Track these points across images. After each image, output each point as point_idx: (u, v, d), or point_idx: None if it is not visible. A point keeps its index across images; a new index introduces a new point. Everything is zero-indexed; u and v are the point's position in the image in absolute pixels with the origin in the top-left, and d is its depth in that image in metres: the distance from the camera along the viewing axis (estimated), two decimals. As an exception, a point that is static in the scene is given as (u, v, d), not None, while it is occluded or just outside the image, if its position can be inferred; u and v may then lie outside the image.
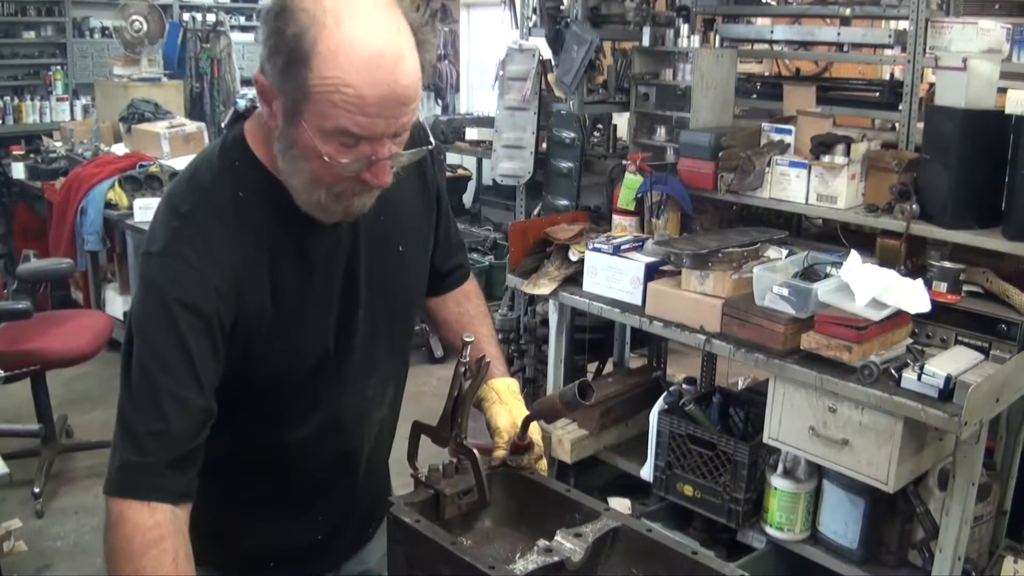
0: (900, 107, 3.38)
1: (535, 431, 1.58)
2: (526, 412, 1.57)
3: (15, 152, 6.38)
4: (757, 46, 4.43)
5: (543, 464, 1.60)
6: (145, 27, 6.97)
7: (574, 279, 3.35)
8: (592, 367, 4.27)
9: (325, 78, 1.19)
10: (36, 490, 3.79)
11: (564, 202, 4.27)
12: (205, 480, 1.33)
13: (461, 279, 1.79)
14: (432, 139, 1.51)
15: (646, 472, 3.38)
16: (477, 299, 1.80)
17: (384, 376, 1.59)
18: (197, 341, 1.29)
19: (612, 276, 3.22)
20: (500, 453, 1.55)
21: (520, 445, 1.55)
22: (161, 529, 1.24)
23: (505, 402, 1.60)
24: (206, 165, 1.42)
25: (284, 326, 1.39)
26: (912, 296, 2.57)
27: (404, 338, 1.67)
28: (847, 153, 3.09)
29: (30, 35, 8.97)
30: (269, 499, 1.56)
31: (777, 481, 2.98)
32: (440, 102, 9.05)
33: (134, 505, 1.24)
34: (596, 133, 4.86)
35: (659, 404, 3.34)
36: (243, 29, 10.22)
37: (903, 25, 3.48)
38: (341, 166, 1.25)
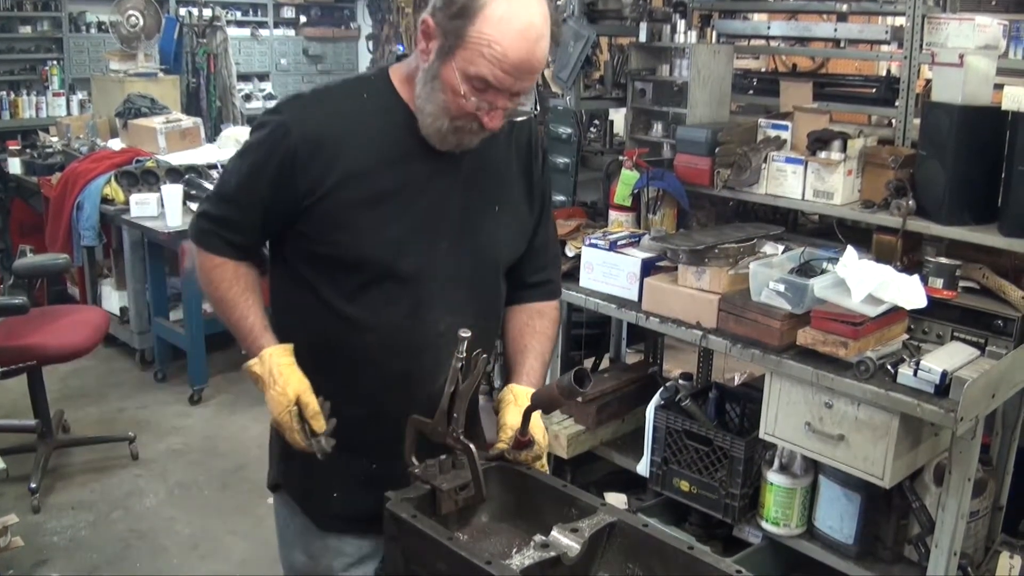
0: (897, 103, 3.38)
1: (539, 430, 1.63)
2: (539, 428, 1.64)
3: (11, 147, 6.37)
4: (754, 42, 4.42)
5: (541, 464, 1.64)
6: (141, 22, 6.96)
7: (571, 275, 3.35)
8: (589, 363, 4.28)
9: (483, 33, 1.49)
10: (32, 485, 3.78)
11: (560, 198, 4.27)
12: None
13: (546, 295, 1.93)
14: (544, 148, 1.87)
15: (642, 467, 3.39)
16: (550, 322, 1.91)
17: (461, 323, 1.63)
18: (266, 164, 1.63)
19: (608, 272, 3.22)
20: (501, 446, 1.62)
21: (521, 441, 1.60)
22: (221, 262, 1.72)
23: (520, 405, 1.67)
24: (347, 77, 1.79)
25: (359, 212, 1.63)
26: (908, 292, 2.57)
27: (489, 295, 1.80)
28: (843, 149, 3.09)
29: (26, 30, 8.95)
30: (335, 411, 1.66)
31: (773, 476, 2.98)
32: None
33: (201, 251, 1.74)
34: (593, 129, 4.85)
35: (655, 400, 3.34)
36: (239, 24, 10.23)
37: (900, 21, 3.48)
38: (469, 103, 1.54)
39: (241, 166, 1.70)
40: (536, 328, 1.88)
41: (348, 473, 1.73)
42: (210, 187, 5.03)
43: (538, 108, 1.97)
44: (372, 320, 1.67)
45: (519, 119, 1.69)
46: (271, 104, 1.75)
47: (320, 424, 1.63)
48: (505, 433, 1.64)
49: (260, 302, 1.75)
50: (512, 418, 1.66)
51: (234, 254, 1.73)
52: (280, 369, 1.64)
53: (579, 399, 1.67)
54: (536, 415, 1.64)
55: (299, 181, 1.62)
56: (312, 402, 1.64)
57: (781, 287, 2.72)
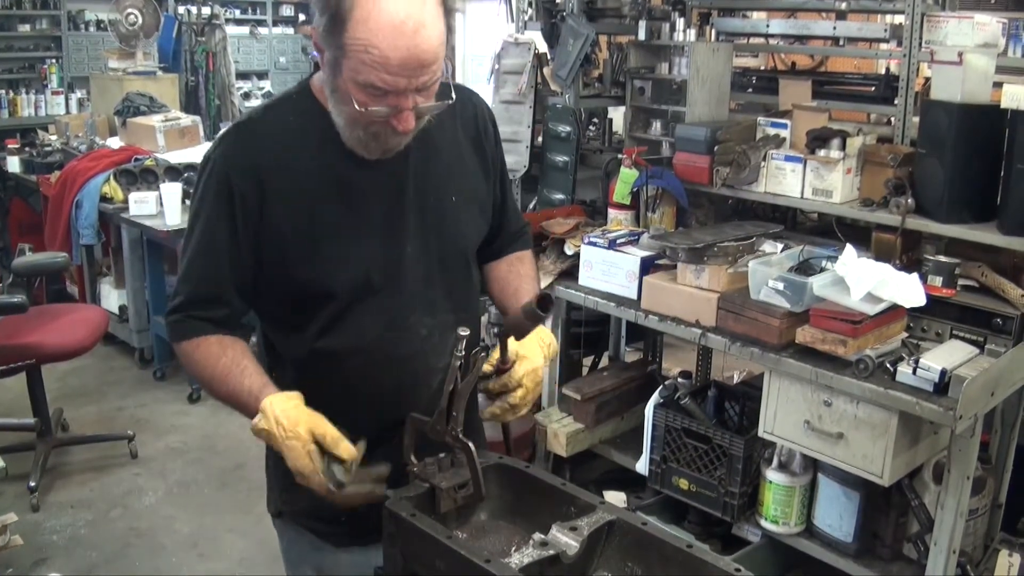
0: (896, 101, 3.38)
1: (521, 366, 1.62)
2: (537, 352, 1.66)
3: (10, 146, 6.37)
4: (753, 40, 4.42)
5: (515, 397, 1.62)
6: (140, 20, 6.96)
7: (570, 273, 3.35)
8: (588, 361, 4.28)
9: (357, 39, 1.39)
10: (32, 484, 3.78)
11: (560, 196, 4.27)
12: None
13: (521, 246, 1.95)
14: (488, 110, 1.80)
15: (641, 466, 3.39)
16: (530, 264, 1.94)
17: (443, 321, 1.67)
18: (219, 219, 1.57)
19: (608, 270, 3.22)
20: (486, 368, 1.61)
21: (502, 368, 1.62)
22: (201, 341, 1.67)
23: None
24: (270, 99, 1.71)
25: (318, 241, 1.57)
26: (907, 290, 2.57)
27: (464, 287, 1.77)
28: (843, 147, 3.09)
29: (25, 28, 8.95)
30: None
31: (772, 475, 2.98)
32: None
33: (180, 345, 1.70)
34: (592, 127, 4.86)
35: (654, 398, 3.34)
36: (238, 22, 10.22)
37: (899, 19, 3.48)
38: (371, 113, 1.45)
39: (194, 229, 1.64)
40: (520, 272, 1.89)
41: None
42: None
43: (457, 86, 1.77)
44: (355, 344, 1.63)
45: (433, 111, 1.55)
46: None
47: (347, 449, 1.49)
48: (494, 353, 1.62)
49: (256, 364, 1.64)
50: (511, 344, 1.65)
51: (214, 329, 1.64)
52: (285, 413, 1.50)
53: (542, 323, 1.65)
54: (534, 358, 1.65)
55: (250, 221, 1.56)
56: (330, 430, 1.49)
57: (780, 285, 2.72)
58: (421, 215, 1.65)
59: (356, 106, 1.45)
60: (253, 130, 1.62)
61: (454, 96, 1.57)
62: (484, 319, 1.78)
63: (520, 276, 1.88)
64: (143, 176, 5.17)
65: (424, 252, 1.66)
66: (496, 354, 1.63)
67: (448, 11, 1.46)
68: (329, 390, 1.60)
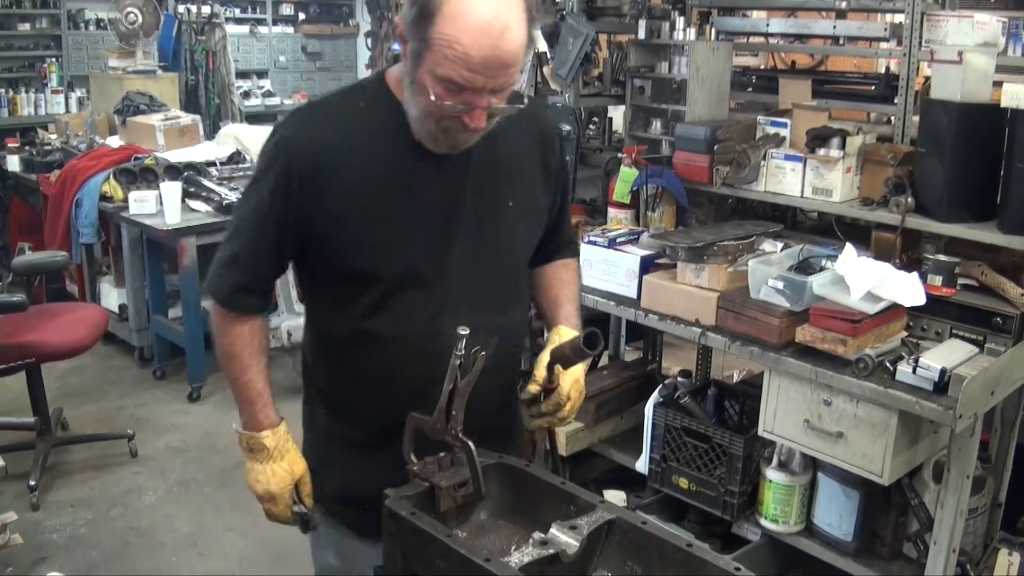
0: (896, 100, 3.38)
1: (566, 381, 1.72)
2: (577, 364, 1.73)
3: (10, 145, 6.36)
4: (753, 39, 4.42)
5: (563, 411, 1.74)
6: (140, 19, 6.95)
7: (570, 272, 3.35)
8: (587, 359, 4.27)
9: (443, 34, 1.43)
10: (32, 483, 3.78)
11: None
12: (312, 402, 1.85)
13: (568, 255, 1.99)
14: (561, 135, 1.87)
15: (641, 465, 3.39)
16: (574, 272, 1.99)
17: (485, 322, 1.66)
18: (273, 195, 1.62)
19: (607, 269, 3.22)
20: (533, 388, 1.73)
21: (548, 388, 1.70)
22: (237, 318, 1.74)
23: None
24: (346, 86, 1.78)
25: (370, 225, 1.62)
26: (907, 289, 2.57)
27: (511, 294, 1.80)
28: (842, 146, 3.09)
29: (25, 27, 8.94)
30: (360, 421, 1.76)
31: (772, 474, 2.98)
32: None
33: (217, 305, 1.75)
34: (592, 126, 4.85)
35: (654, 397, 3.34)
36: (238, 21, 10.22)
37: (899, 18, 3.48)
38: (445, 107, 1.49)
39: (249, 201, 1.71)
40: (564, 279, 1.94)
41: (385, 481, 1.69)
42: (209, 184, 5.05)
43: (529, 97, 1.89)
44: (395, 330, 1.67)
45: (505, 113, 1.60)
46: (271, 102, 1.70)
47: (310, 503, 1.79)
48: (539, 373, 1.71)
49: (268, 368, 1.79)
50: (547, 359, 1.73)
51: (252, 304, 1.75)
52: (288, 446, 1.76)
53: (588, 360, 1.73)
54: (576, 370, 1.74)
55: (304, 203, 1.62)
56: (309, 482, 1.78)
57: (780, 284, 2.72)
58: (475, 216, 1.69)
59: (432, 98, 1.49)
60: (322, 111, 1.70)
61: (525, 102, 1.62)
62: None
63: (562, 283, 1.94)
64: (143, 175, 5.17)
65: (473, 252, 1.69)
66: (540, 372, 1.71)
67: (531, 20, 1.50)
68: (366, 374, 1.70)
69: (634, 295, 3.15)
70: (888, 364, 2.53)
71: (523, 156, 1.77)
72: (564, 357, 1.71)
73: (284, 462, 1.75)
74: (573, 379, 1.74)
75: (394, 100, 1.63)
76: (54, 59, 8.93)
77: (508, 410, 1.86)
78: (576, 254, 2.04)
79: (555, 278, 1.94)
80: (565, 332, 1.82)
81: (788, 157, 3.22)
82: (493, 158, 1.69)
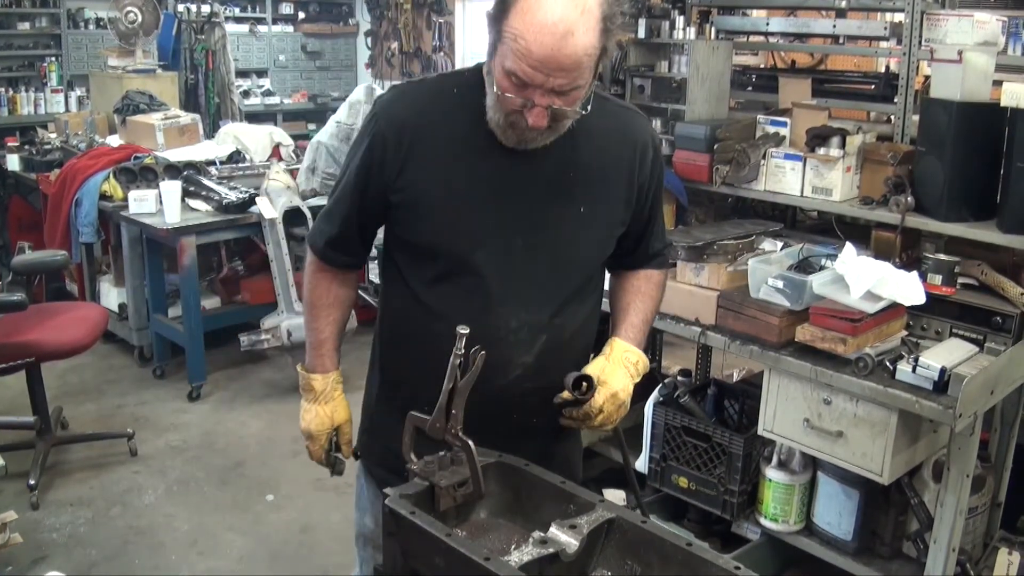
0: (896, 99, 3.38)
1: (600, 395, 1.74)
2: (621, 376, 1.79)
3: (10, 144, 6.36)
4: (753, 38, 4.42)
5: (597, 420, 1.76)
6: (140, 18, 6.94)
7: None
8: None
9: (513, 28, 1.50)
10: (31, 482, 3.78)
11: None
12: (373, 366, 1.92)
13: (657, 265, 1.98)
14: (652, 142, 1.83)
15: (641, 464, 3.39)
16: (656, 286, 1.97)
17: (535, 320, 1.72)
18: (363, 159, 1.73)
19: (607, 268, 3.22)
20: (565, 395, 1.73)
21: (581, 399, 1.72)
22: (323, 268, 1.88)
23: (609, 360, 1.81)
24: (448, 71, 1.89)
25: (440, 204, 1.68)
26: (907, 288, 2.57)
27: (573, 299, 1.79)
28: (842, 146, 3.09)
29: (24, 26, 8.92)
30: (406, 389, 1.81)
31: (772, 473, 2.98)
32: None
33: (310, 252, 1.88)
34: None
35: (654, 396, 3.34)
36: (238, 20, 10.20)
37: (899, 17, 3.48)
38: (506, 99, 1.56)
39: (347, 164, 1.81)
40: (641, 289, 1.94)
41: (422, 450, 1.72)
42: (208, 184, 5.05)
43: (627, 107, 1.93)
44: (445, 309, 1.70)
45: (566, 115, 1.64)
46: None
47: (348, 452, 1.93)
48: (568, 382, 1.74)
49: (342, 321, 1.92)
50: (591, 369, 1.78)
51: (339, 259, 1.87)
52: (335, 394, 1.90)
53: (576, 399, 1.72)
54: (616, 383, 1.77)
55: (386, 168, 1.70)
56: (350, 432, 1.92)
57: (780, 283, 2.72)
58: (544, 215, 1.71)
59: (496, 90, 1.56)
60: (417, 90, 1.79)
61: (589, 109, 1.62)
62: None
63: (637, 293, 1.94)
64: (142, 174, 5.17)
65: (536, 250, 1.72)
66: (568, 382, 1.73)
67: (607, 31, 1.53)
68: (415, 345, 1.78)
69: (634, 294, 3.15)
70: (888, 363, 2.53)
71: (608, 164, 1.77)
72: (566, 385, 1.73)
73: (328, 406, 1.89)
74: (610, 393, 1.76)
75: (483, 89, 1.67)
76: (54, 58, 8.91)
77: (530, 402, 1.85)
78: (664, 266, 2.02)
79: (631, 287, 1.95)
80: (617, 345, 1.84)
81: (788, 156, 3.22)
82: (574, 162, 1.72)
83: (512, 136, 1.64)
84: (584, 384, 1.71)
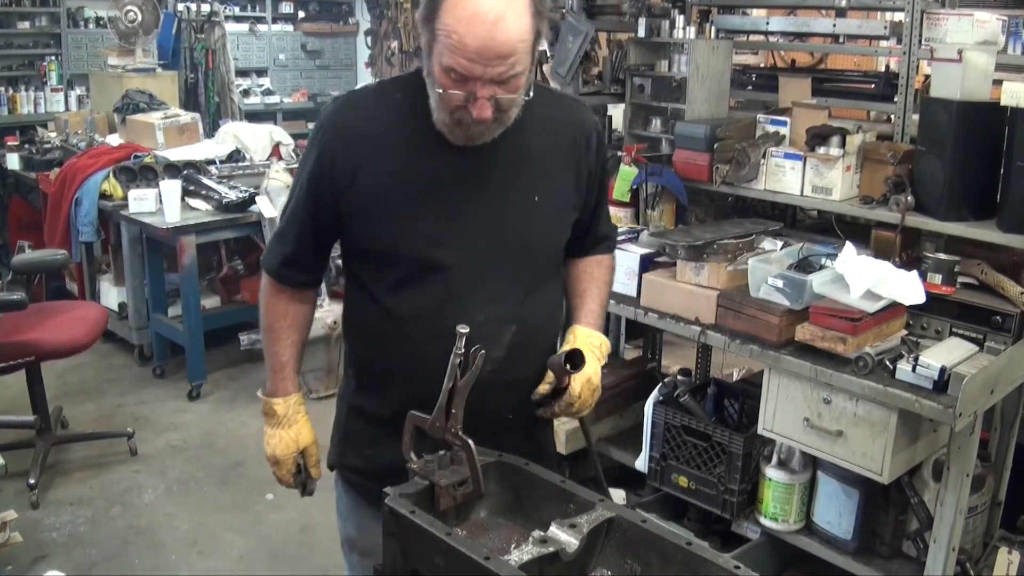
0: (896, 99, 3.37)
1: (576, 382, 1.75)
2: (590, 360, 1.77)
3: (10, 143, 6.36)
4: (753, 37, 4.41)
5: (575, 406, 1.77)
6: (140, 17, 6.94)
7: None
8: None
9: (445, 24, 1.51)
10: (31, 481, 3.78)
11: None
12: (346, 375, 1.90)
13: (604, 250, 2.01)
14: (595, 128, 1.85)
15: (641, 463, 3.39)
16: (607, 269, 2.02)
17: (502, 312, 1.72)
18: (311, 174, 1.73)
19: (607, 268, 3.22)
20: (543, 388, 1.77)
21: (560, 388, 1.74)
22: (278, 290, 1.86)
23: (576, 344, 1.81)
24: (389, 77, 1.92)
25: (395, 209, 1.69)
26: (907, 288, 2.57)
27: (532, 283, 1.80)
28: (842, 145, 3.09)
29: (24, 25, 8.93)
30: (380, 396, 1.81)
31: (771, 472, 2.98)
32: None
33: (264, 274, 1.87)
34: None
35: (654, 395, 3.34)
36: (237, 19, 10.20)
37: (899, 17, 3.47)
38: (449, 96, 1.56)
39: (296, 181, 1.81)
40: (594, 274, 1.97)
41: (399, 459, 1.72)
42: (208, 183, 5.05)
43: (567, 96, 2.04)
44: (411, 312, 1.72)
45: (509, 105, 1.64)
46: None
47: (318, 473, 1.94)
48: (549, 375, 1.76)
49: (301, 343, 1.91)
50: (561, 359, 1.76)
51: (296, 278, 1.86)
52: (298, 417, 1.89)
53: (567, 378, 1.72)
54: (588, 369, 1.76)
55: (336, 178, 1.70)
56: (316, 453, 1.92)
57: (780, 283, 2.72)
58: (498, 207, 1.73)
59: (437, 88, 1.57)
60: (361, 98, 1.82)
61: (531, 94, 1.65)
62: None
63: (591, 278, 1.96)
64: (142, 173, 5.17)
65: (496, 242, 1.73)
66: (548, 374, 1.75)
67: (538, 13, 1.55)
68: (387, 352, 1.77)
69: (634, 293, 3.15)
70: (888, 362, 2.53)
71: (555, 152, 1.79)
72: (554, 369, 1.74)
73: (291, 430, 1.88)
74: (584, 379, 1.76)
75: (426, 92, 1.67)
76: (54, 57, 8.91)
77: (505, 397, 1.86)
78: (611, 250, 2.05)
79: (585, 272, 1.97)
80: (579, 332, 1.85)
81: (788, 155, 3.22)
82: (522, 152, 1.74)
83: (460, 134, 1.65)
84: (576, 357, 1.71)
